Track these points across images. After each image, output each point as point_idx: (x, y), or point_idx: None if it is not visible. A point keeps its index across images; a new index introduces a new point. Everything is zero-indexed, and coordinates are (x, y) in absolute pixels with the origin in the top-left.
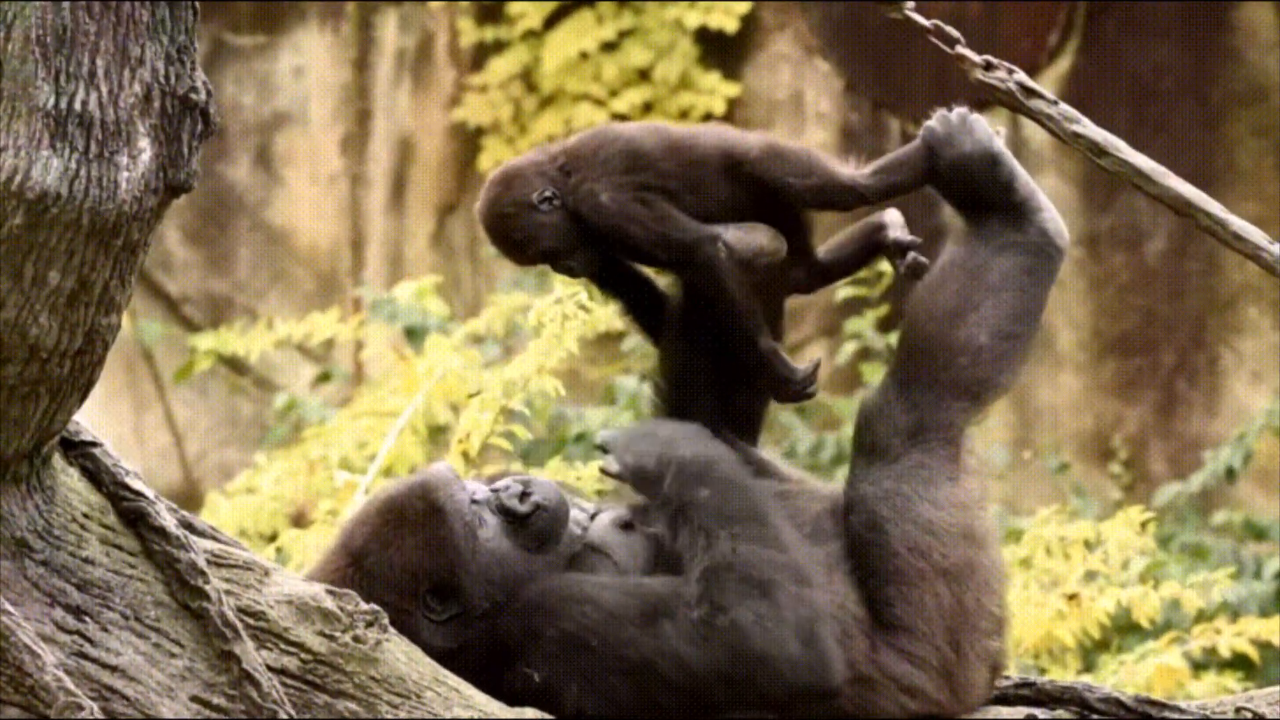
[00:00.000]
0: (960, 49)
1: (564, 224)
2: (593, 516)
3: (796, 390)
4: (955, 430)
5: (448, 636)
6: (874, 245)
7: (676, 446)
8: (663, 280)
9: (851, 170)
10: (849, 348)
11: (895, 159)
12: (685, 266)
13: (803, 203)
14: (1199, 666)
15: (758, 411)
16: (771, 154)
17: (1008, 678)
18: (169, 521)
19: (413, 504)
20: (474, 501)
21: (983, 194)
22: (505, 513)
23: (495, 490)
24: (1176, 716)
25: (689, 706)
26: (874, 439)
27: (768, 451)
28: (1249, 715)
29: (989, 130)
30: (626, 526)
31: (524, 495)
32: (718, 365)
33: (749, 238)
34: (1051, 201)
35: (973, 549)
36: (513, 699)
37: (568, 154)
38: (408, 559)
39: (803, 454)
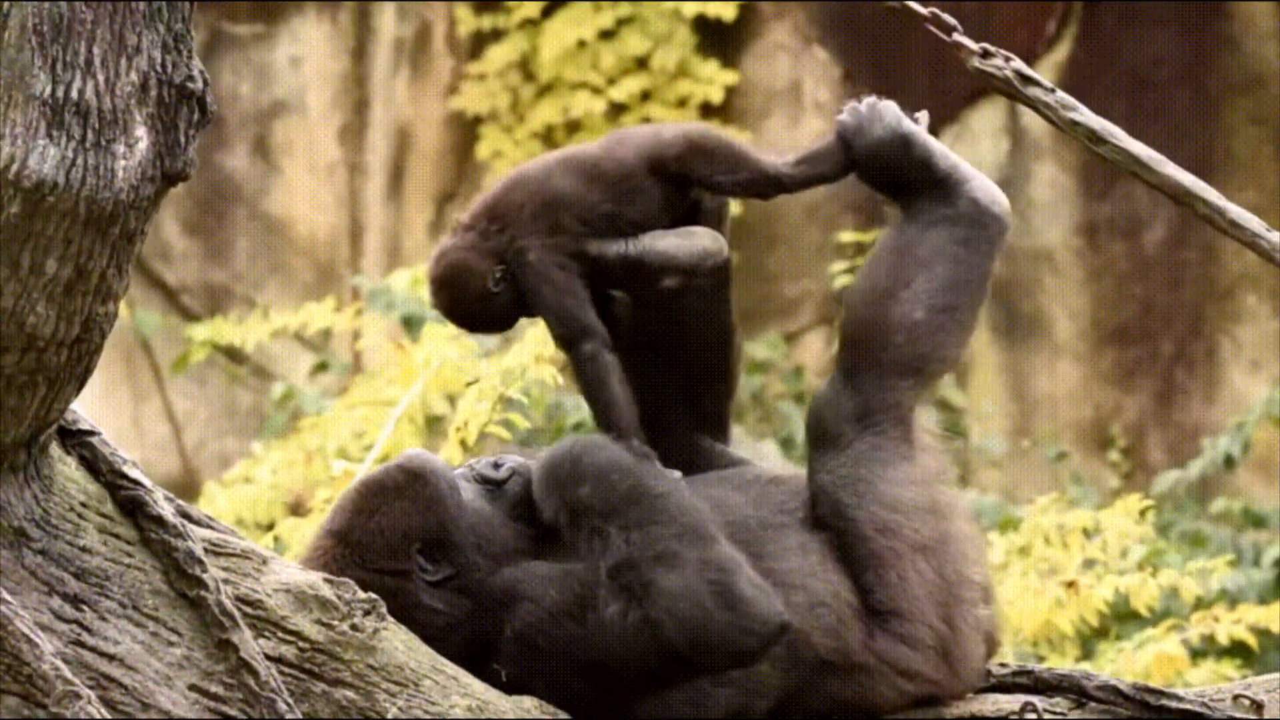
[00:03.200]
0: (958, 37)
1: (518, 288)
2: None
3: None
4: (903, 410)
5: (446, 601)
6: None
7: (550, 455)
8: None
9: (774, 160)
10: None
11: (815, 151)
12: (566, 348)
13: (729, 195)
14: (1197, 654)
15: (724, 412)
16: (694, 152)
17: (1005, 665)
18: (166, 510)
19: (391, 475)
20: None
21: (903, 177)
22: (483, 481)
23: (469, 465)
24: (1175, 704)
25: (653, 686)
26: (824, 429)
27: (765, 448)
28: (1247, 702)
29: (898, 114)
30: None
31: (497, 464)
32: (681, 371)
33: (690, 243)
34: (1049, 190)
35: (942, 521)
36: None
37: (490, 212)
38: (395, 522)
39: (799, 444)
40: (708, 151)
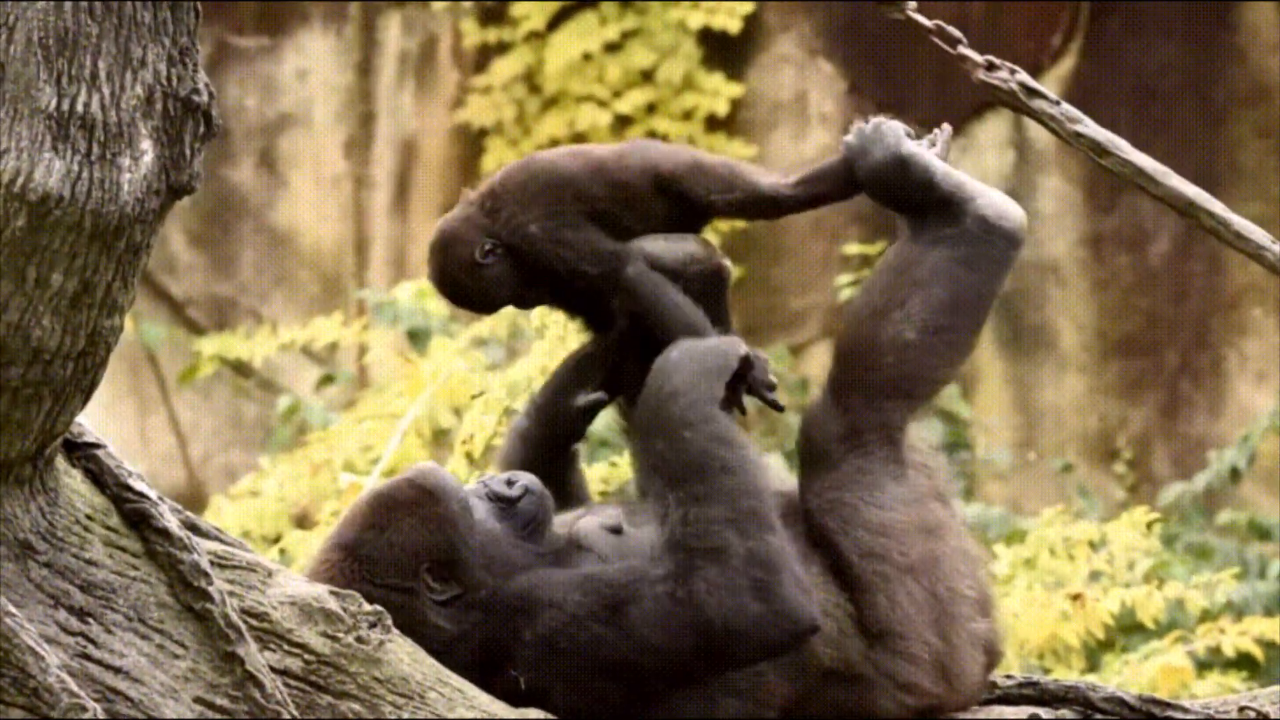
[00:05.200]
0: (963, 49)
1: (513, 268)
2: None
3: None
4: (892, 430)
5: (451, 619)
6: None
7: (646, 387)
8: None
9: (775, 180)
10: None
11: (819, 170)
12: (611, 283)
13: (728, 215)
14: (1203, 666)
15: None
16: (694, 170)
17: (1011, 677)
18: (172, 523)
19: (403, 491)
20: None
21: (907, 197)
22: (495, 498)
23: (482, 481)
24: (1180, 716)
25: (674, 684)
26: (811, 448)
27: (770, 460)
28: (1253, 715)
29: (899, 135)
30: (615, 530)
31: (510, 482)
32: None
33: (677, 246)
34: (1055, 202)
35: (932, 540)
36: (505, 702)
37: (493, 193)
38: (405, 538)
39: None
40: (705, 169)
